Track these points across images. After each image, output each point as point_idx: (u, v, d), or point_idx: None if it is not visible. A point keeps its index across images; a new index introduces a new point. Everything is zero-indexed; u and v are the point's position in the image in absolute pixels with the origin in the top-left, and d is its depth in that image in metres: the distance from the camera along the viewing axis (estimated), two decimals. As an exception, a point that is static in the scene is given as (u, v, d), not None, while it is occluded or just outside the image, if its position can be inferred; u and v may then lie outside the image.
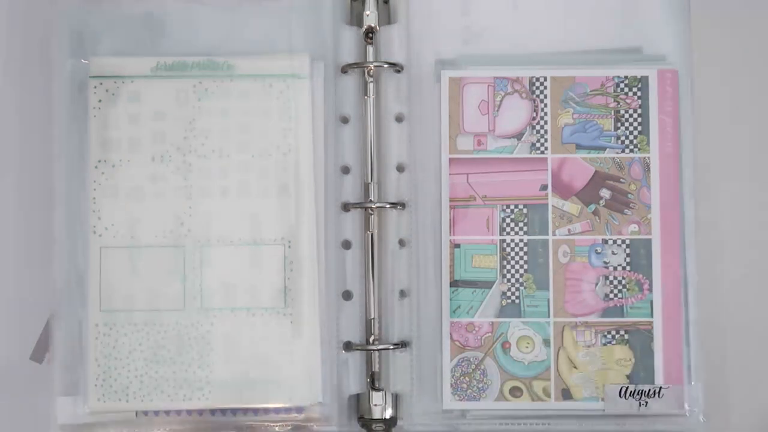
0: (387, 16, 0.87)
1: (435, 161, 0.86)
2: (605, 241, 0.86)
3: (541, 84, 0.87)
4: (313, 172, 0.85)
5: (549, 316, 0.86)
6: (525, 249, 0.86)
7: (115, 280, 0.84)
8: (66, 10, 0.86)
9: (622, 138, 0.86)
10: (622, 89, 0.87)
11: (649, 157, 0.86)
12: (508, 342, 0.86)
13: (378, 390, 0.85)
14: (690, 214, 0.86)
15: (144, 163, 0.85)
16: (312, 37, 0.86)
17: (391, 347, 0.85)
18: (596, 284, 0.86)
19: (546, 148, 0.86)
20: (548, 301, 0.86)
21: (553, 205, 0.86)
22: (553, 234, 0.86)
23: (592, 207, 0.86)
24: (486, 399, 0.85)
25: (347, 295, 0.86)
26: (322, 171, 0.85)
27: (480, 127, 0.87)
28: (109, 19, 0.86)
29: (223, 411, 0.84)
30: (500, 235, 0.86)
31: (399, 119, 0.87)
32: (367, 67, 0.86)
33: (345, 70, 0.87)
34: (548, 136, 0.86)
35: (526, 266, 0.86)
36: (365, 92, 0.87)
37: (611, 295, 0.86)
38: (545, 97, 0.87)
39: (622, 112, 0.87)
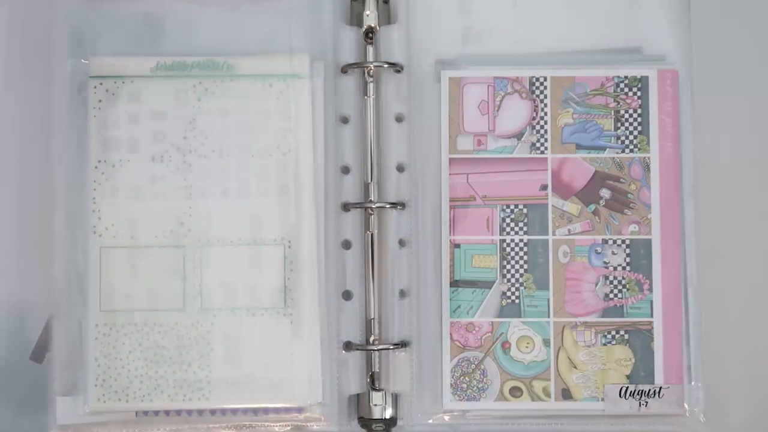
0: (387, 16, 0.87)
1: (435, 161, 0.86)
2: (605, 241, 0.86)
3: (541, 84, 0.87)
4: (313, 172, 0.85)
5: (549, 316, 0.85)
6: (525, 249, 0.86)
7: (115, 280, 0.84)
8: (66, 10, 0.86)
9: (622, 138, 0.86)
10: (622, 89, 0.87)
11: (649, 157, 0.86)
12: (508, 342, 0.85)
13: (378, 390, 0.85)
14: (690, 214, 0.86)
15: (144, 163, 0.85)
16: (312, 37, 0.86)
17: (391, 347, 0.85)
18: (596, 284, 0.86)
19: (546, 148, 0.86)
20: (548, 301, 0.86)
21: (553, 205, 0.86)
22: (553, 234, 0.86)
23: (592, 207, 0.86)
24: (486, 399, 0.85)
25: (347, 295, 0.86)
26: (322, 171, 0.85)
27: (480, 127, 0.87)
28: (109, 19, 0.86)
29: (223, 411, 0.84)
30: (500, 235, 0.86)
31: (399, 119, 0.87)
32: (367, 67, 0.86)
33: (345, 70, 0.87)
34: (548, 136, 0.86)
35: (526, 266, 0.86)
36: (365, 92, 0.87)
37: (611, 295, 0.86)
38: (545, 97, 0.87)
39: (622, 112, 0.87)
